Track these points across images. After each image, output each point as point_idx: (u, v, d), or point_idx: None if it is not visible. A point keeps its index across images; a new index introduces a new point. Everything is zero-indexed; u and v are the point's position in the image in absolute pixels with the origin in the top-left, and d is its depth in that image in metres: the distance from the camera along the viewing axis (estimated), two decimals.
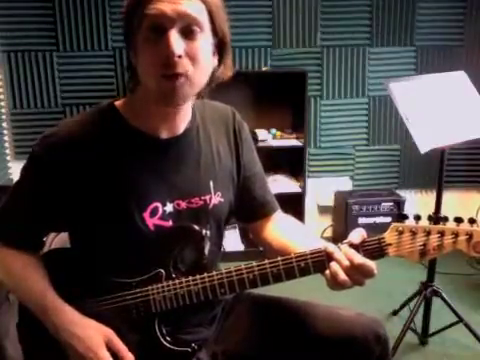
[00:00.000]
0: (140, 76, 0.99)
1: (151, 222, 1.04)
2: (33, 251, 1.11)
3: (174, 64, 0.92)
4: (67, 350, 1.01)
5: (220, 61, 1.04)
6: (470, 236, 0.93)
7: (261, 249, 1.27)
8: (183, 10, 0.91)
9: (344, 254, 0.96)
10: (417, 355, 2.15)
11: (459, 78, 2.11)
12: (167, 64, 0.92)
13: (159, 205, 1.05)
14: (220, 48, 1.02)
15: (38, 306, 1.04)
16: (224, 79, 1.06)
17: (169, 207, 1.07)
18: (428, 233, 0.95)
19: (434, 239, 0.95)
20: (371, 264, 0.95)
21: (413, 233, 0.96)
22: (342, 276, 0.94)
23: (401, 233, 0.97)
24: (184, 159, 1.09)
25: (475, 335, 2.11)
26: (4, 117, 3.04)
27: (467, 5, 3.19)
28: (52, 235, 1.49)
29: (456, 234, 0.94)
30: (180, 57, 0.92)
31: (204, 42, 0.96)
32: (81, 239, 1.11)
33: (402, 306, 2.40)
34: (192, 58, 0.94)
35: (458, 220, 0.95)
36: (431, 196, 3.32)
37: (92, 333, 1.00)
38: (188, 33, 0.93)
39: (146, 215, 1.04)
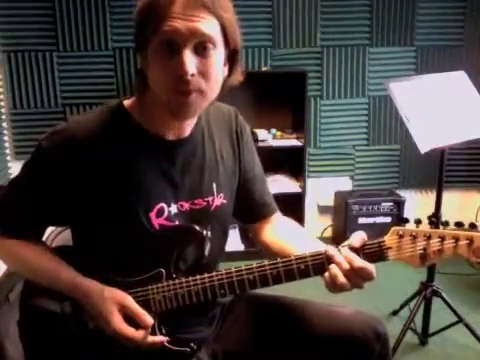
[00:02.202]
0: (151, 83, 0.99)
1: (157, 222, 1.05)
2: (35, 239, 1.13)
3: (187, 82, 0.92)
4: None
5: (231, 69, 1.04)
6: (471, 241, 0.92)
7: (261, 249, 1.27)
8: (197, 28, 0.91)
9: (344, 257, 0.95)
10: (417, 355, 2.15)
11: (459, 78, 2.11)
12: (180, 81, 0.92)
13: (165, 206, 1.06)
14: (231, 58, 1.02)
15: (56, 288, 1.06)
16: (235, 85, 1.07)
17: (173, 208, 1.07)
18: (428, 237, 0.94)
19: (434, 243, 0.94)
20: (371, 267, 0.95)
21: (413, 237, 0.95)
22: (341, 279, 0.94)
23: (401, 237, 0.96)
24: (189, 161, 1.10)
25: (475, 335, 2.11)
26: (4, 117, 3.03)
27: (467, 5, 3.19)
28: (54, 233, 1.49)
29: (457, 239, 0.92)
30: (193, 75, 0.92)
31: (217, 58, 0.96)
32: (84, 237, 1.11)
33: (402, 306, 2.40)
34: (205, 75, 0.95)
35: (459, 224, 0.95)
36: (431, 196, 3.32)
37: (104, 304, 1.00)
38: (201, 50, 0.93)
39: (152, 215, 1.04)
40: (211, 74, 0.96)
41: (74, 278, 1.05)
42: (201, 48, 0.93)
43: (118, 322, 0.99)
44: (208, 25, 0.93)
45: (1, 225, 1.11)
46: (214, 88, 0.99)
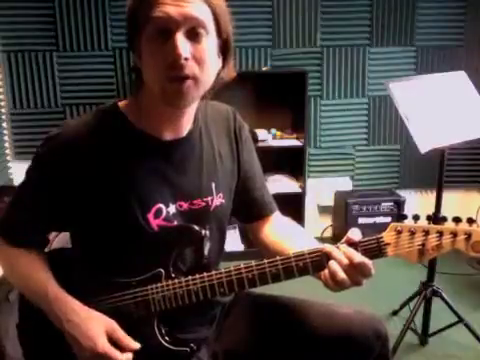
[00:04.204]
0: (145, 78, 0.99)
1: (155, 223, 1.05)
2: (37, 248, 1.12)
3: (181, 67, 0.92)
4: (70, 341, 1.01)
5: (224, 62, 1.04)
6: (469, 236, 0.93)
7: (259, 249, 1.27)
8: (189, 12, 0.92)
9: (343, 253, 0.96)
10: (417, 355, 2.15)
11: (459, 78, 2.11)
12: (174, 66, 0.92)
13: (162, 206, 1.06)
14: (224, 49, 1.02)
15: (42, 299, 1.04)
16: (228, 80, 1.06)
17: (172, 208, 1.07)
18: (427, 233, 0.95)
19: (433, 239, 0.94)
20: (370, 263, 0.95)
21: (412, 233, 0.96)
22: (341, 275, 0.94)
23: (400, 233, 0.96)
24: (187, 161, 1.10)
25: (475, 335, 2.11)
26: (4, 117, 3.04)
27: (467, 5, 3.19)
28: (53, 235, 1.49)
29: (455, 234, 0.93)
30: (186, 59, 0.92)
31: (209, 44, 0.96)
32: (83, 239, 1.11)
33: (402, 306, 2.40)
34: (198, 60, 0.94)
35: (457, 220, 0.95)
36: (431, 196, 3.32)
37: (93, 323, 1.00)
38: (194, 35, 0.93)
39: (150, 216, 1.04)
40: (204, 60, 0.95)
41: (63, 294, 1.04)
42: (193, 34, 0.93)
43: (105, 343, 0.98)
44: (199, 10, 0.93)
45: (6, 233, 1.11)
46: (208, 76, 0.99)
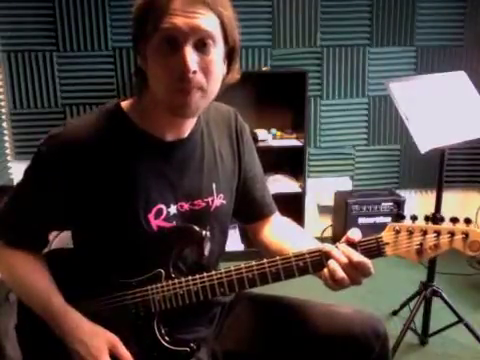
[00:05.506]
0: (151, 84, 0.99)
1: (155, 223, 1.05)
2: (36, 250, 1.11)
3: (189, 80, 0.92)
4: (72, 354, 1.01)
5: (229, 67, 1.04)
6: (466, 235, 0.94)
7: (259, 250, 1.27)
8: (197, 24, 0.91)
9: (342, 252, 0.96)
10: (417, 355, 2.15)
11: (459, 78, 2.11)
12: (182, 79, 0.92)
13: (163, 207, 1.06)
14: (230, 55, 1.03)
15: (44, 310, 1.04)
16: (232, 83, 1.06)
17: (173, 209, 1.07)
18: (425, 232, 0.96)
19: (430, 238, 0.95)
20: (369, 262, 0.95)
21: (410, 232, 0.97)
22: (340, 273, 0.94)
23: (398, 232, 0.97)
24: (188, 162, 1.10)
25: (475, 335, 2.11)
26: (4, 117, 3.04)
27: (467, 5, 3.19)
28: (52, 235, 1.49)
29: (452, 233, 0.94)
30: (195, 72, 0.92)
31: (217, 54, 0.97)
32: (84, 239, 1.11)
33: (402, 306, 2.40)
34: (206, 72, 0.95)
35: (454, 220, 0.96)
36: (431, 196, 3.32)
37: (96, 340, 1.01)
38: (202, 47, 0.93)
39: (151, 216, 1.04)
40: (212, 71, 0.95)
41: (66, 307, 1.04)
42: (201, 45, 0.93)
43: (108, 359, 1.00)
44: (208, 21, 0.93)
45: (3, 234, 1.10)
46: (214, 86, 0.99)
